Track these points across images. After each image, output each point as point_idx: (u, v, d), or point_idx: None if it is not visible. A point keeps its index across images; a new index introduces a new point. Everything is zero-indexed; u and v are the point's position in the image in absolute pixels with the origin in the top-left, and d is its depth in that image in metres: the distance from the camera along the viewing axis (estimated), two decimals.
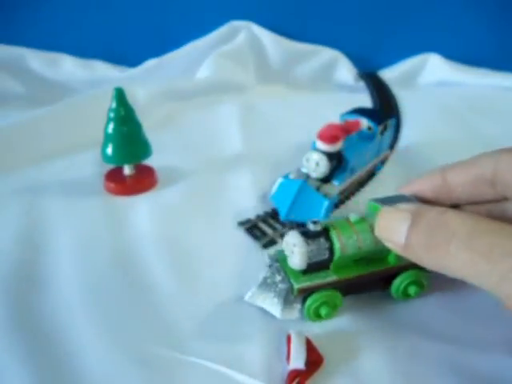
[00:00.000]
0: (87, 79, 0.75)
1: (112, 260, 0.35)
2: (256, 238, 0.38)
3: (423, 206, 0.24)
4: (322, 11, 0.83)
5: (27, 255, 0.36)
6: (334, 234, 0.28)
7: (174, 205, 0.43)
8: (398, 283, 0.30)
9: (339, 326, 0.30)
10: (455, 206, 0.27)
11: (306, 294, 0.28)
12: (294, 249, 0.27)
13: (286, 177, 0.42)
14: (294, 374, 0.25)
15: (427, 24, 0.83)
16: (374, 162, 0.47)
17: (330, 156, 0.39)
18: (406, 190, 0.28)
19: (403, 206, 0.24)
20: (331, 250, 0.28)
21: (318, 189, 0.40)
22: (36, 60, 0.75)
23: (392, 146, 0.54)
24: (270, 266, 0.30)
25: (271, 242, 0.38)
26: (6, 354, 0.27)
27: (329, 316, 0.29)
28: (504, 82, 0.80)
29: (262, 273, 0.30)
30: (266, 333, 0.29)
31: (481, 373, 0.26)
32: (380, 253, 0.28)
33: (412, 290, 0.30)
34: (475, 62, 0.84)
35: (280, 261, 0.30)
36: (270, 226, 0.40)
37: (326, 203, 0.38)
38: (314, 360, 0.26)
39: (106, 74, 0.77)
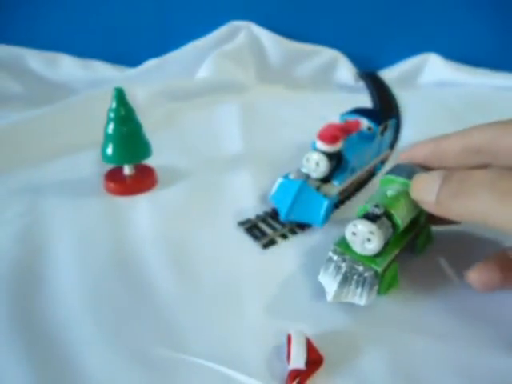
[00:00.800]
0: (87, 79, 0.75)
1: (112, 260, 0.35)
2: (256, 238, 0.38)
3: (451, 170, 0.27)
4: (321, 11, 0.83)
5: (27, 255, 0.36)
6: (393, 213, 0.30)
7: (174, 205, 0.43)
8: (423, 239, 0.35)
9: (339, 326, 0.30)
10: None
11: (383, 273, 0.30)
12: (372, 236, 0.28)
13: (286, 177, 0.42)
14: (295, 374, 0.25)
15: (427, 24, 0.83)
16: (374, 162, 0.47)
17: (330, 156, 0.39)
18: (406, 156, 0.33)
19: (433, 172, 0.28)
20: (393, 226, 0.30)
21: (317, 189, 0.40)
22: (35, 60, 0.75)
23: (392, 146, 0.54)
24: (344, 261, 0.30)
25: (271, 242, 0.38)
26: (5, 354, 0.27)
27: (397, 284, 0.32)
28: (504, 82, 0.80)
29: (327, 272, 0.31)
30: (266, 333, 0.29)
31: (481, 373, 0.27)
32: (414, 217, 0.32)
33: (430, 238, 0.37)
34: (475, 61, 0.84)
35: (345, 252, 0.30)
36: (270, 226, 0.40)
37: (325, 203, 0.38)
38: (314, 360, 0.26)
39: (105, 74, 0.77)
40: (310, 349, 0.26)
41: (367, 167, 0.46)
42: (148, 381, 0.26)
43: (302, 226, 0.40)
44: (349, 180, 0.43)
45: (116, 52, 0.81)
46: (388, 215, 0.30)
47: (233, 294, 0.32)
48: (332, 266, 0.31)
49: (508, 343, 0.28)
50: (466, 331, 0.29)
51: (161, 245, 0.37)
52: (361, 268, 0.29)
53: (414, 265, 0.35)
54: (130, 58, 0.80)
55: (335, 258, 0.31)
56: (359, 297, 0.30)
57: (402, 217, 0.30)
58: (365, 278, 0.29)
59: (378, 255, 0.30)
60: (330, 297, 0.30)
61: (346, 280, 0.30)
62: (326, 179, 0.41)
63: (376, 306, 0.31)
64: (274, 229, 0.40)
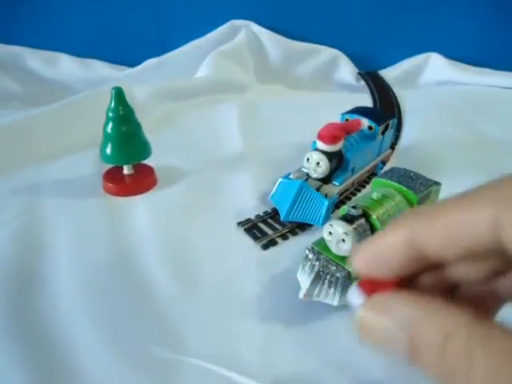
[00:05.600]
0: (86, 78, 0.75)
1: (111, 260, 0.35)
2: (256, 238, 0.38)
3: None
4: (322, 10, 0.83)
5: (26, 255, 0.35)
6: (372, 215, 0.29)
7: (174, 205, 0.43)
8: None
9: (339, 326, 0.29)
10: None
11: None
12: (346, 237, 0.28)
13: (286, 177, 0.41)
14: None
15: (428, 24, 0.83)
16: (374, 162, 0.47)
17: (331, 156, 0.39)
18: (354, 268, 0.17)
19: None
20: (371, 229, 0.30)
21: (318, 189, 0.40)
22: (34, 59, 0.74)
23: (393, 146, 0.54)
24: (318, 260, 0.30)
25: (271, 243, 0.38)
26: (4, 354, 0.27)
27: None
28: (504, 81, 0.79)
29: (304, 270, 0.31)
30: (265, 333, 0.29)
31: None
32: None
33: None
34: (476, 61, 0.84)
35: (321, 252, 0.30)
36: (270, 226, 0.40)
37: (326, 203, 0.38)
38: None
39: (105, 73, 0.77)
40: None
41: (368, 167, 0.46)
42: (146, 381, 0.26)
43: (303, 226, 0.40)
44: (349, 180, 0.42)
45: (115, 52, 0.80)
46: (366, 217, 0.30)
47: (232, 294, 0.32)
48: (308, 264, 0.31)
49: None
50: None
51: (160, 245, 0.37)
52: (333, 268, 0.29)
53: None
54: (129, 57, 0.80)
55: (311, 256, 0.31)
56: (332, 297, 0.29)
57: (382, 219, 0.30)
58: (337, 278, 0.29)
59: None
60: (301, 294, 0.30)
61: (318, 279, 0.30)
62: (326, 179, 0.40)
63: None
64: (274, 229, 0.39)
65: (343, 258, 0.29)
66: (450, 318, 0.13)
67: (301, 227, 0.40)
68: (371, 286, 0.16)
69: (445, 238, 0.14)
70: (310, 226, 0.40)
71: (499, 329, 0.12)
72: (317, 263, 0.30)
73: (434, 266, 0.16)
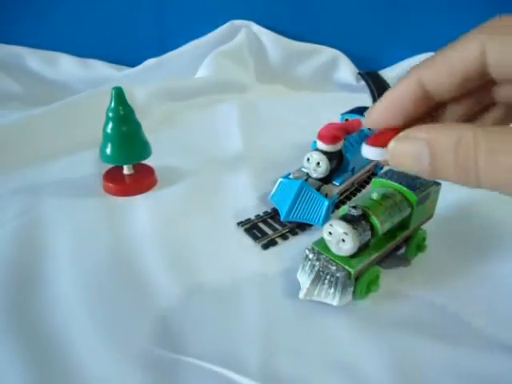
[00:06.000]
0: (86, 78, 0.75)
1: (111, 260, 0.35)
2: (256, 238, 0.38)
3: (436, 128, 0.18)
4: (322, 10, 0.83)
5: (25, 255, 0.35)
6: (372, 215, 0.29)
7: (174, 205, 0.43)
8: (414, 245, 0.35)
9: (339, 326, 0.29)
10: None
11: (358, 275, 0.30)
12: (346, 237, 0.28)
13: (286, 177, 0.41)
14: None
15: (428, 24, 0.83)
16: (374, 162, 0.47)
17: (331, 156, 0.39)
18: (369, 123, 0.21)
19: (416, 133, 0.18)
20: (372, 229, 0.30)
21: (318, 189, 0.40)
22: (34, 59, 0.74)
23: None
24: (318, 260, 0.30)
25: (271, 243, 0.38)
26: (4, 353, 0.27)
27: (376, 289, 0.32)
28: None
29: (304, 270, 0.31)
30: (265, 333, 0.29)
31: (480, 373, 0.26)
32: (402, 220, 0.32)
33: (422, 246, 0.36)
34: None
35: (321, 252, 0.30)
36: (270, 226, 0.40)
37: (326, 203, 0.38)
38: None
39: (105, 73, 0.76)
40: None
41: (368, 167, 0.46)
42: (146, 381, 0.26)
43: (303, 226, 0.40)
44: (349, 180, 0.42)
45: (115, 51, 0.80)
46: (366, 217, 0.30)
47: (232, 294, 0.32)
48: (308, 264, 0.31)
49: (507, 344, 0.28)
50: (466, 331, 0.29)
51: (160, 245, 0.37)
52: (333, 268, 0.29)
53: (413, 267, 0.35)
54: (129, 57, 0.80)
55: (311, 256, 0.31)
56: (332, 297, 0.29)
57: (382, 220, 0.30)
58: (337, 278, 0.29)
59: (355, 257, 0.30)
60: (301, 294, 0.30)
61: (318, 279, 0.30)
62: (326, 179, 0.40)
63: (376, 306, 0.31)
64: (274, 229, 0.39)
65: (343, 258, 0.29)
66: (459, 126, 0.17)
67: (301, 227, 0.40)
68: (380, 139, 0.20)
69: (443, 71, 0.18)
70: (310, 225, 0.40)
71: (496, 126, 0.16)
72: (317, 263, 0.30)
73: (435, 109, 0.20)
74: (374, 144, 0.20)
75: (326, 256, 0.30)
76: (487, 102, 0.21)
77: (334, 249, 0.30)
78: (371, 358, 0.27)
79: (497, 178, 0.16)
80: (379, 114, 0.20)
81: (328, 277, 0.29)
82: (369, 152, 0.20)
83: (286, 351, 0.28)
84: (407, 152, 0.18)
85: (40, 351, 0.27)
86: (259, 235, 0.39)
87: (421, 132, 0.18)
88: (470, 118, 0.21)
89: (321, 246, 0.31)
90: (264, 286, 0.33)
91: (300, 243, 0.38)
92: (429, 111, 0.20)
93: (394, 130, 0.19)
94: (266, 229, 0.40)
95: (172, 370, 0.26)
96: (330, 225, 0.29)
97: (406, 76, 0.19)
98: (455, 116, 0.21)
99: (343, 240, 0.29)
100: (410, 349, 0.28)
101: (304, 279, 0.31)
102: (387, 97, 0.20)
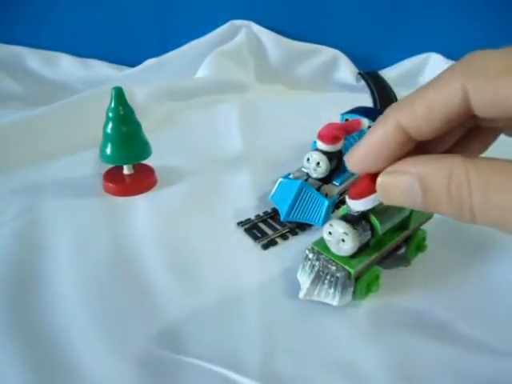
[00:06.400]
0: (86, 78, 0.75)
1: (111, 260, 0.35)
2: (256, 238, 0.38)
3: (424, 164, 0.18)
4: (322, 10, 0.83)
5: (25, 255, 0.35)
6: (372, 215, 0.29)
7: (174, 205, 0.43)
8: (414, 245, 0.35)
9: (339, 326, 0.29)
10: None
11: (358, 275, 0.30)
12: (346, 237, 0.28)
13: (286, 177, 0.41)
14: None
15: (428, 23, 0.83)
16: None
17: (331, 156, 0.39)
18: (351, 167, 0.20)
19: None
20: (372, 229, 0.30)
21: (318, 189, 0.40)
22: (34, 59, 0.74)
23: None
24: (318, 260, 0.30)
25: (271, 243, 0.38)
26: (4, 353, 0.27)
27: (377, 289, 0.32)
28: None
29: (304, 270, 0.31)
30: (265, 333, 0.29)
31: (480, 373, 0.26)
32: (402, 220, 0.32)
33: (422, 246, 0.36)
34: None
35: (321, 252, 0.30)
36: (270, 226, 0.40)
37: (326, 203, 0.38)
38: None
39: (105, 73, 0.76)
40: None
41: None
42: (146, 381, 0.26)
43: (303, 226, 0.40)
44: (349, 180, 0.42)
45: (115, 51, 0.80)
46: (366, 217, 0.30)
47: (232, 294, 0.32)
48: (308, 264, 0.31)
49: (507, 344, 0.28)
50: (466, 331, 0.29)
51: (160, 245, 0.37)
52: (333, 268, 0.29)
53: (413, 267, 0.35)
54: (129, 57, 0.80)
55: (311, 256, 0.31)
56: (332, 297, 0.29)
57: (382, 220, 0.30)
58: (337, 278, 0.29)
59: (355, 257, 0.30)
60: (301, 294, 0.30)
61: (318, 279, 0.30)
62: (326, 179, 0.40)
63: (376, 306, 0.31)
64: (274, 229, 0.39)
65: (343, 258, 0.29)
66: (448, 160, 0.17)
67: (301, 227, 0.40)
68: (363, 189, 0.20)
69: (422, 116, 0.17)
70: (310, 225, 0.40)
71: (486, 158, 0.16)
72: (317, 263, 0.30)
73: (416, 148, 0.19)
74: (359, 197, 0.20)
75: (325, 256, 0.30)
76: (471, 126, 0.21)
77: (333, 249, 0.30)
78: (371, 358, 0.27)
79: (492, 216, 0.16)
80: (360, 160, 0.20)
81: (328, 277, 0.29)
82: (357, 205, 0.20)
83: (286, 351, 0.28)
84: (397, 187, 0.18)
85: (40, 351, 0.27)
86: (259, 235, 0.39)
87: (409, 166, 0.18)
88: (456, 143, 0.21)
89: (321, 246, 0.31)
90: (264, 285, 0.33)
91: (300, 243, 0.38)
92: (410, 150, 0.19)
93: (374, 176, 0.19)
94: (265, 229, 0.40)
95: (172, 370, 0.26)
96: (330, 225, 0.29)
97: (383, 119, 0.19)
98: (440, 146, 0.21)
99: (343, 240, 0.29)
100: (409, 349, 0.28)
101: (304, 279, 0.31)
102: (366, 142, 0.19)
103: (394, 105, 0.19)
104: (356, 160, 0.20)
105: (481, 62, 0.16)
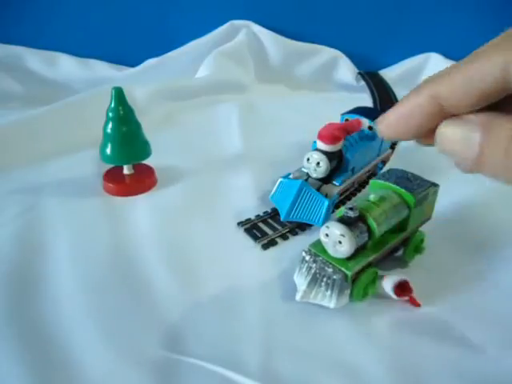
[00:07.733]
0: (86, 79, 0.75)
1: (111, 260, 0.35)
2: (256, 238, 0.38)
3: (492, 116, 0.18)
4: (322, 10, 0.83)
5: (25, 255, 0.35)
6: (369, 217, 0.29)
7: (174, 205, 0.43)
8: (412, 247, 0.35)
9: (339, 326, 0.29)
10: None
11: (355, 277, 0.30)
12: (343, 238, 0.28)
13: (286, 177, 0.41)
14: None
15: (428, 23, 0.83)
16: (374, 162, 0.47)
17: (331, 156, 0.39)
18: (383, 130, 0.21)
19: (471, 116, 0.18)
20: (369, 231, 0.29)
21: (318, 189, 0.40)
22: (34, 59, 0.74)
23: (393, 146, 0.54)
24: (315, 262, 0.30)
25: (271, 243, 0.38)
26: (4, 353, 0.27)
27: (374, 291, 0.31)
28: None
29: (301, 272, 0.31)
30: (265, 333, 0.29)
31: (480, 373, 0.26)
32: (400, 222, 0.32)
33: (420, 248, 0.36)
34: None
35: (318, 254, 0.30)
36: (270, 226, 0.40)
37: (326, 203, 0.38)
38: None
39: (105, 73, 0.77)
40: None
41: (368, 167, 0.46)
42: (146, 381, 0.25)
43: (303, 226, 0.40)
44: (349, 180, 0.42)
45: (115, 52, 0.80)
46: (363, 219, 0.29)
47: (232, 294, 0.32)
48: (305, 266, 0.31)
49: (507, 344, 0.28)
50: (466, 332, 0.29)
51: (160, 245, 0.37)
52: (330, 270, 0.29)
53: (411, 269, 0.35)
54: (129, 57, 0.80)
55: (307, 258, 0.31)
56: (328, 299, 0.29)
57: (379, 221, 0.29)
58: (334, 281, 0.29)
59: (352, 259, 0.29)
60: (298, 296, 0.30)
61: (315, 281, 0.30)
62: (326, 179, 0.40)
63: (375, 307, 0.31)
64: (274, 229, 0.39)
65: (340, 260, 0.29)
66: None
67: (301, 227, 0.40)
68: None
69: (461, 89, 0.17)
70: (309, 226, 0.40)
71: None
72: (313, 265, 0.30)
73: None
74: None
75: (322, 258, 0.30)
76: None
77: (330, 251, 0.29)
78: (371, 358, 0.27)
79: None
80: (389, 125, 0.20)
81: (325, 279, 0.29)
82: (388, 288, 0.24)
83: (286, 351, 0.28)
84: (456, 133, 0.18)
85: (40, 351, 0.27)
86: (259, 235, 0.39)
87: (473, 116, 0.17)
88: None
89: (318, 248, 0.30)
90: (264, 286, 0.33)
91: (300, 243, 0.38)
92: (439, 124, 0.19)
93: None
94: (266, 229, 0.40)
95: (172, 371, 0.26)
96: (327, 227, 0.29)
97: (417, 89, 0.19)
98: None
99: (340, 242, 0.28)
100: (409, 349, 0.28)
101: (301, 281, 0.31)
102: (398, 109, 0.19)
103: (429, 77, 0.19)
104: (386, 125, 0.20)
105: None
